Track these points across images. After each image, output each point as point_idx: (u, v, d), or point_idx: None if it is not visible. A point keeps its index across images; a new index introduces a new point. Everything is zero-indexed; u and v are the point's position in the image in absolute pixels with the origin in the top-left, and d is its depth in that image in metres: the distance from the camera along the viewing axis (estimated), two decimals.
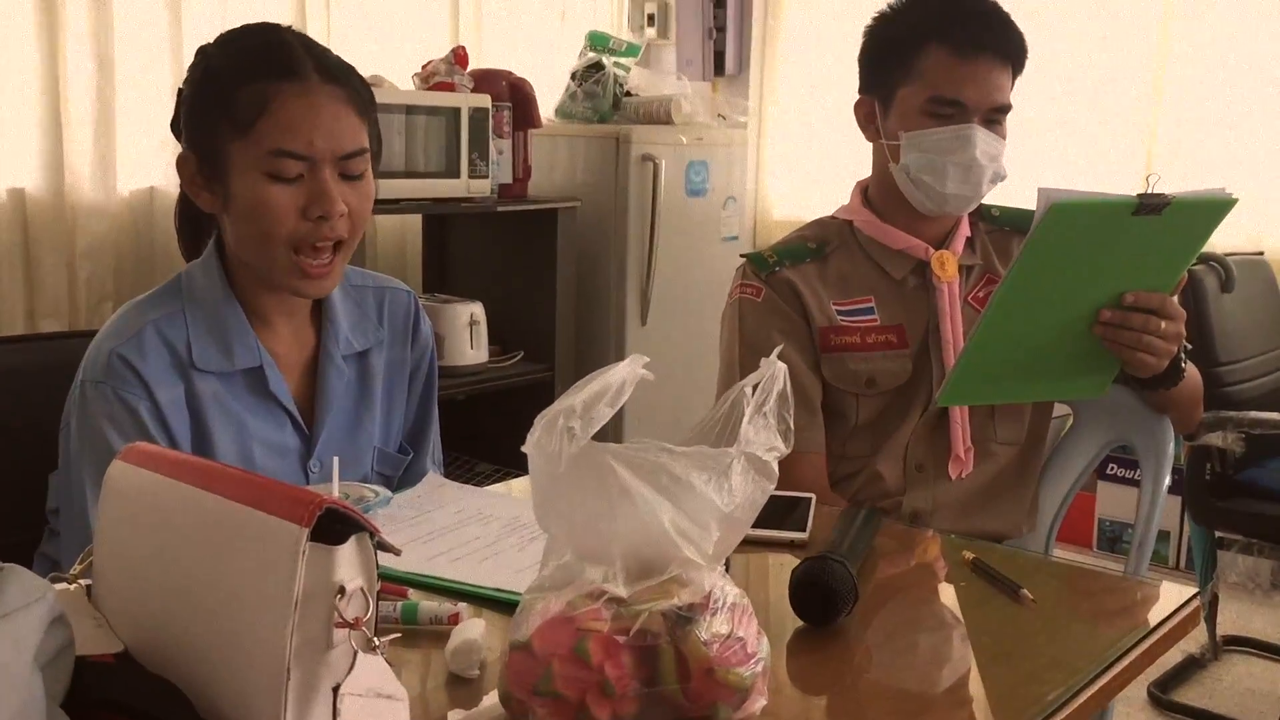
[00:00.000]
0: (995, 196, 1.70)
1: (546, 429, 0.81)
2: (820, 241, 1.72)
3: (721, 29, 3.97)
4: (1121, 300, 1.40)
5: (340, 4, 3.20)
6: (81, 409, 1.28)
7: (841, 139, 3.14)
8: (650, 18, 4.05)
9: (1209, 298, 2.60)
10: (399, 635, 0.82)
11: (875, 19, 1.69)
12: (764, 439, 0.84)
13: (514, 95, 3.17)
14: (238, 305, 1.33)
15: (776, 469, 0.84)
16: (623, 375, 0.83)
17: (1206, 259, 2.65)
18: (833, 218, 1.76)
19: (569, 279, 3.24)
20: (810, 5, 3.88)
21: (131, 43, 2.79)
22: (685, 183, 3.46)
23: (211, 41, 1.33)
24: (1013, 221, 1.73)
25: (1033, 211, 1.30)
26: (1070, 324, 1.42)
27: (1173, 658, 2.81)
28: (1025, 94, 1.69)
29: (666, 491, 0.79)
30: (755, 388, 0.87)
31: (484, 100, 3.00)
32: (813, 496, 1.35)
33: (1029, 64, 1.64)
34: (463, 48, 3.10)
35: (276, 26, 1.33)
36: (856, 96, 1.71)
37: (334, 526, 0.74)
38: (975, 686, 1.02)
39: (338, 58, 1.32)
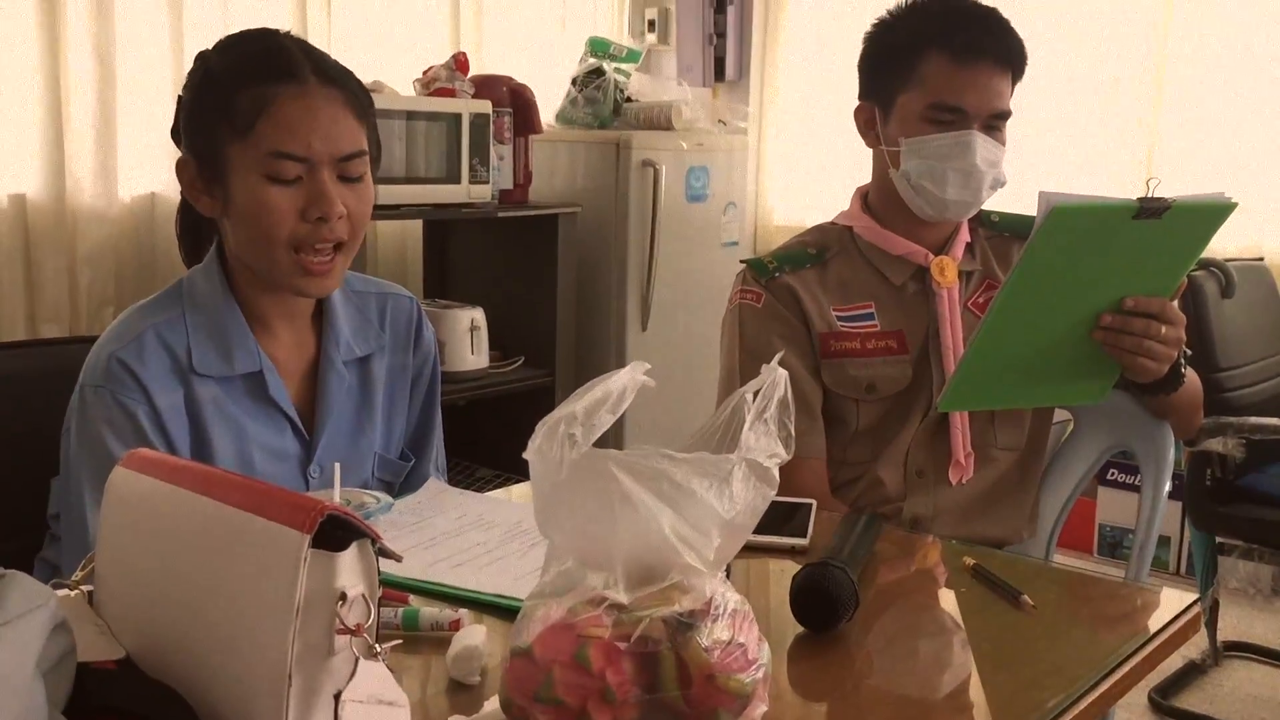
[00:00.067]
0: (995, 202, 1.70)
1: (548, 436, 0.81)
2: (820, 247, 1.72)
3: (722, 35, 3.98)
4: (1122, 305, 1.41)
5: (341, 10, 3.21)
6: (81, 413, 1.28)
7: (842, 144, 3.15)
8: (651, 23, 4.05)
9: (1209, 303, 2.61)
10: (400, 641, 0.82)
11: (875, 25, 1.69)
12: (765, 445, 0.84)
13: (515, 101, 3.17)
14: (238, 310, 1.33)
15: (777, 475, 0.84)
16: (624, 382, 0.83)
17: (1207, 264, 2.65)
18: (832, 223, 1.76)
19: (569, 284, 3.25)
20: (810, 11, 3.88)
21: (133, 49, 2.80)
22: (686, 188, 3.46)
23: (211, 47, 1.33)
24: (1012, 227, 1.73)
25: (1032, 217, 1.30)
26: (1071, 329, 1.43)
27: (1174, 663, 2.81)
28: (1025, 100, 1.69)
29: (667, 498, 0.79)
30: (756, 394, 0.87)
31: (485, 106, 3.01)
32: (813, 502, 1.35)
33: (1029, 70, 1.65)
34: (463, 53, 3.11)
35: (275, 31, 1.33)
36: (856, 102, 1.71)
37: (335, 533, 0.74)
38: (976, 693, 1.02)
39: (335, 61, 1.32)
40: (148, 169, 2.86)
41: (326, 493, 1.24)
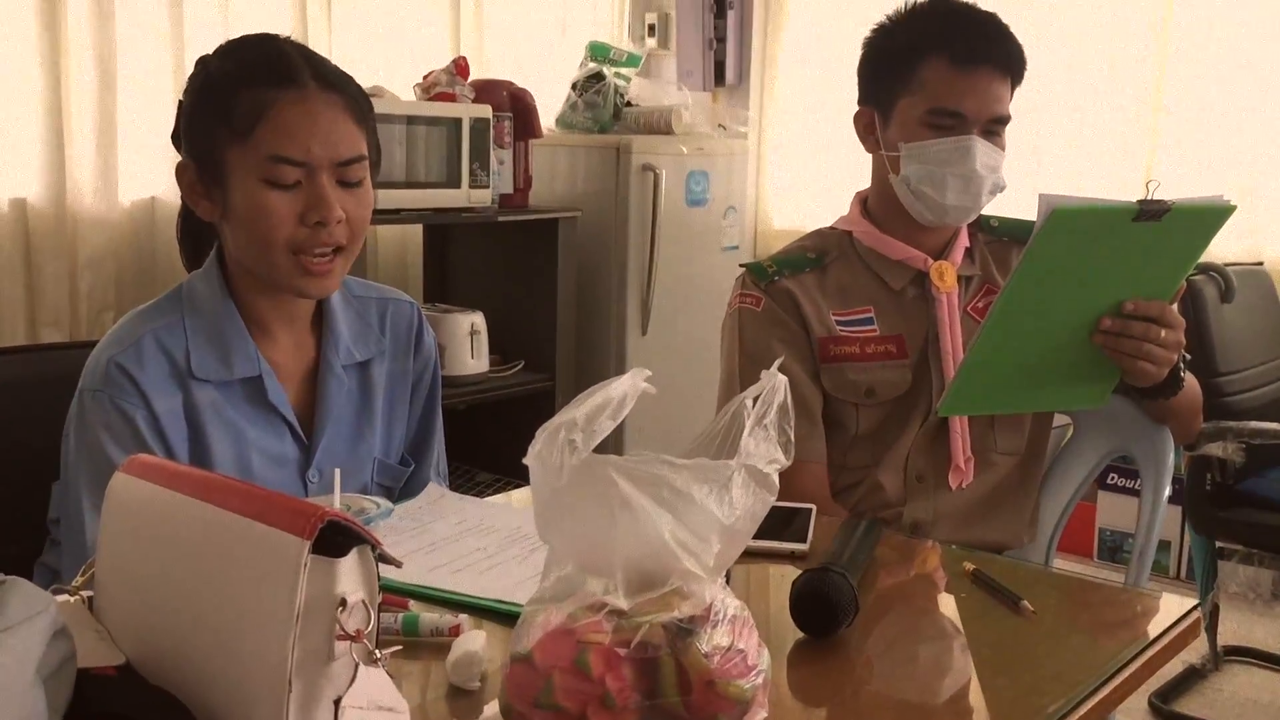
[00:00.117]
0: (995, 207, 1.70)
1: (548, 441, 0.81)
2: (820, 252, 1.72)
3: (722, 39, 3.98)
4: (1121, 308, 1.41)
5: (341, 15, 3.22)
6: (80, 418, 1.28)
7: (842, 149, 3.15)
8: (651, 28, 4.06)
9: (1209, 308, 2.61)
10: (400, 647, 0.82)
11: (874, 30, 1.69)
12: (764, 451, 0.84)
13: (515, 105, 3.17)
14: (237, 315, 1.33)
15: (777, 481, 0.84)
16: (624, 388, 0.84)
17: (1206, 269, 2.66)
18: (832, 228, 1.76)
19: (569, 289, 3.25)
20: (810, 15, 3.89)
21: (133, 54, 2.80)
22: (686, 193, 3.46)
23: (211, 52, 1.33)
24: (1012, 232, 1.73)
25: (1032, 222, 1.31)
26: (1071, 332, 1.43)
27: (1174, 668, 2.81)
28: (1025, 105, 1.69)
29: (667, 504, 0.79)
30: (756, 400, 0.87)
31: (485, 110, 3.01)
32: (813, 508, 1.35)
33: (1028, 75, 1.65)
34: (463, 58, 3.11)
35: (275, 37, 1.34)
36: (856, 107, 1.72)
37: (336, 539, 0.74)
38: (976, 698, 1.02)
39: (335, 66, 1.33)
40: (148, 173, 2.87)
41: (327, 498, 1.24)
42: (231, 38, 1.35)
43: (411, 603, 1.07)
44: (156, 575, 0.82)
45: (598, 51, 3.57)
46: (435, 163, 2.93)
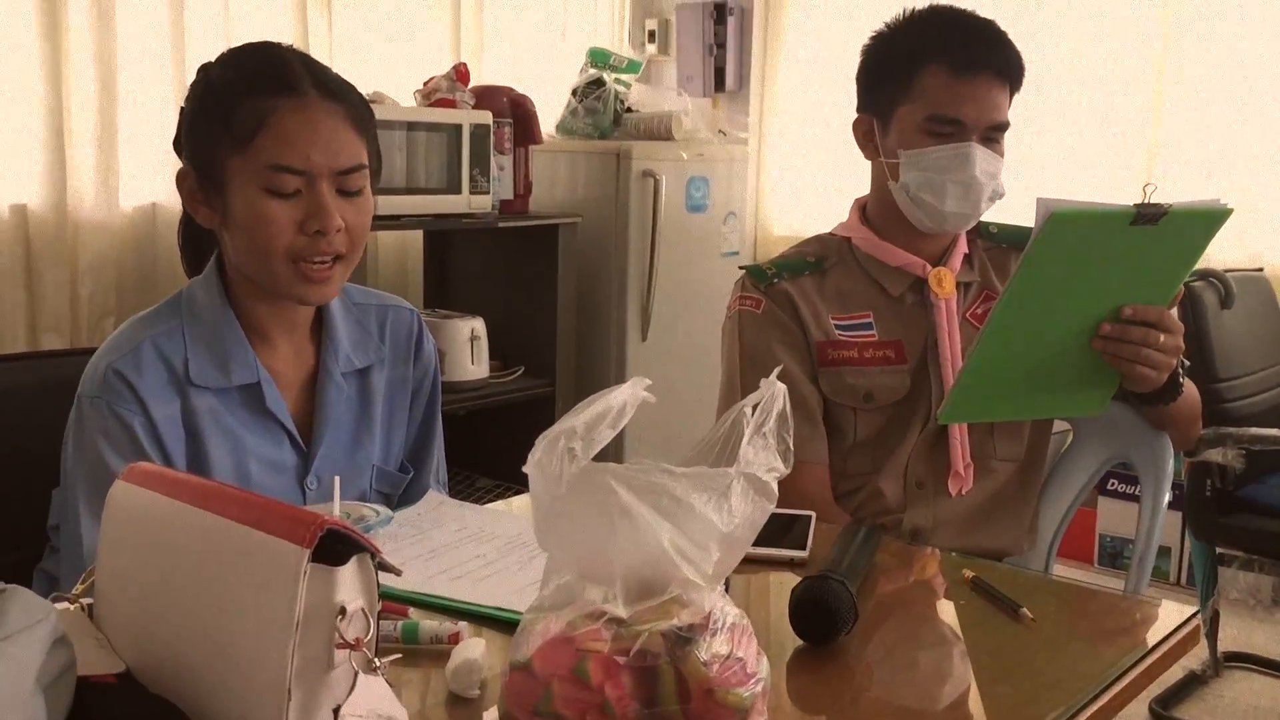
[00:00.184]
0: (994, 214, 1.70)
1: (547, 449, 0.81)
2: (819, 257, 1.73)
3: (722, 45, 3.98)
4: (1120, 314, 1.41)
5: (342, 21, 3.22)
6: (78, 424, 1.29)
7: (842, 155, 3.15)
8: (651, 34, 4.07)
9: (1209, 314, 2.61)
10: (399, 655, 0.82)
11: (873, 38, 1.70)
12: (764, 459, 0.84)
13: (515, 111, 3.18)
14: (236, 322, 1.34)
15: (776, 489, 0.85)
16: (624, 397, 0.84)
17: (1206, 275, 2.66)
18: (831, 234, 1.77)
19: (570, 294, 3.25)
20: (810, 22, 3.89)
21: (134, 60, 2.81)
22: (686, 198, 3.47)
23: (213, 59, 1.34)
24: (1010, 239, 1.73)
25: (1030, 229, 1.31)
26: (1070, 338, 1.43)
27: (1174, 674, 2.80)
28: (1024, 112, 1.70)
29: (666, 512, 0.80)
30: (755, 408, 0.87)
31: (485, 116, 3.01)
32: (813, 515, 1.35)
33: (1028, 81, 1.65)
34: (464, 64, 3.12)
35: (277, 45, 1.34)
36: (855, 114, 1.72)
37: (335, 547, 0.74)
38: (975, 706, 1.02)
39: (337, 75, 1.33)
40: (149, 179, 2.87)
41: (326, 506, 1.24)
42: (232, 45, 1.36)
43: (411, 610, 1.07)
44: (156, 583, 0.82)
45: (598, 57, 3.57)
46: (436, 169, 2.93)
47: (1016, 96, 1.65)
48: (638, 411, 0.85)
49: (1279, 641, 3.12)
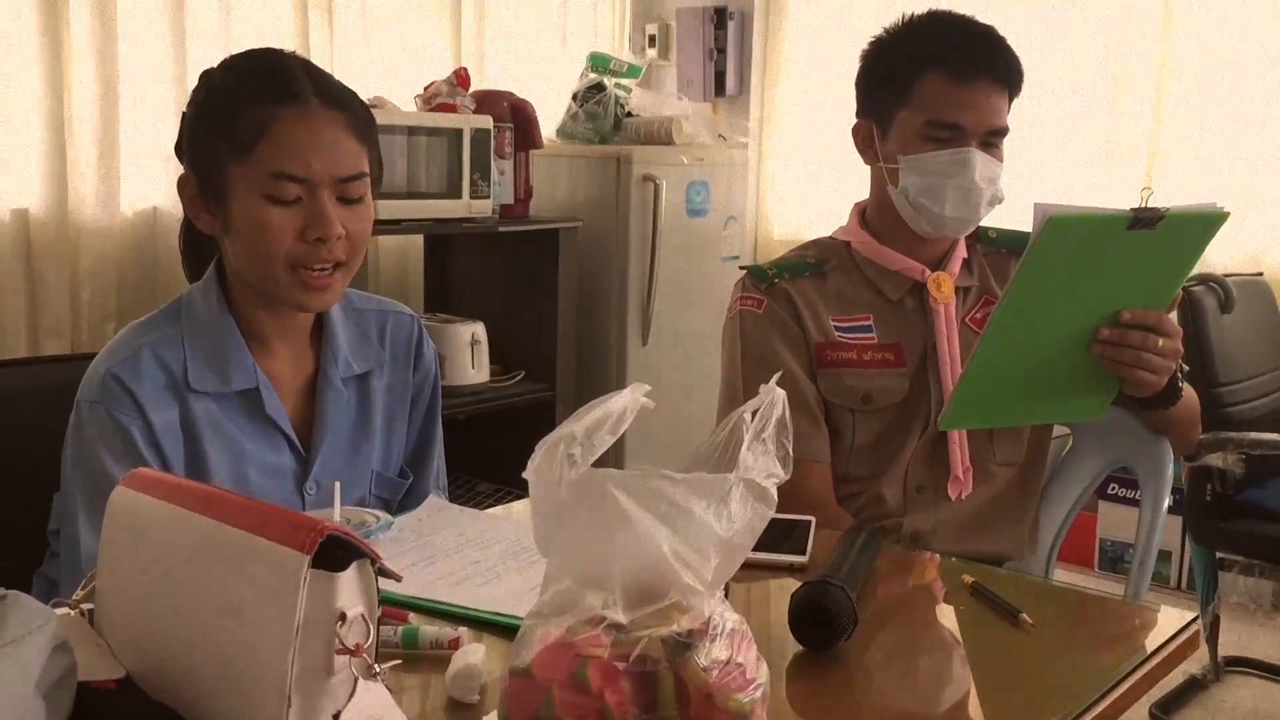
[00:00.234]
0: (994, 219, 1.70)
1: (547, 455, 0.81)
2: (819, 259, 1.73)
3: (722, 50, 3.99)
4: (1119, 318, 1.41)
5: (343, 26, 3.22)
6: (77, 429, 1.29)
7: (842, 160, 3.15)
8: (651, 39, 4.07)
9: (1209, 318, 2.61)
10: (399, 662, 0.82)
11: (872, 43, 1.70)
12: (763, 465, 0.85)
13: (515, 116, 3.18)
14: (235, 328, 1.34)
15: (775, 495, 0.85)
16: (624, 403, 0.84)
17: (1206, 279, 2.66)
18: (831, 238, 1.77)
19: (570, 299, 3.25)
20: (810, 27, 3.89)
21: (135, 64, 2.81)
22: (686, 203, 3.47)
23: (216, 65, 1.34)
24: (1010, 243, 1.74)
25: (1029, 234, 1.31)
26: (1069, 343, 1.43)
27: (1175, 679, 2.80)
28: (1023, 117, 1.70)
29: (666, 518, 0.80)
30: (754, 413, 0.87)
31: (486, 121, 3.02)
32: (812, 520, 1.35)
33: (1027, 87, 1.65)
34: (464, 69, 3.12)
35: (279, 52, 1.34)
36: (855, 119, 1.72)
37: (335, 553, 0.74)
38: (975, 711, 1.02)
39: (339, 83, 1.33)
40: (150, 183, 2.87)
41: (327, 512, 1.24)
42: (233, 50, 1.36)
43: (411, 615, 1.07)
44: (156, 589, 0.83)
45: (598, 62, 3.58)
46: (436, 173, 2.94)
47: (1015, 102, 1.65)
48: (638, 416, 0.85)
49: (1279, 647, 3.12)
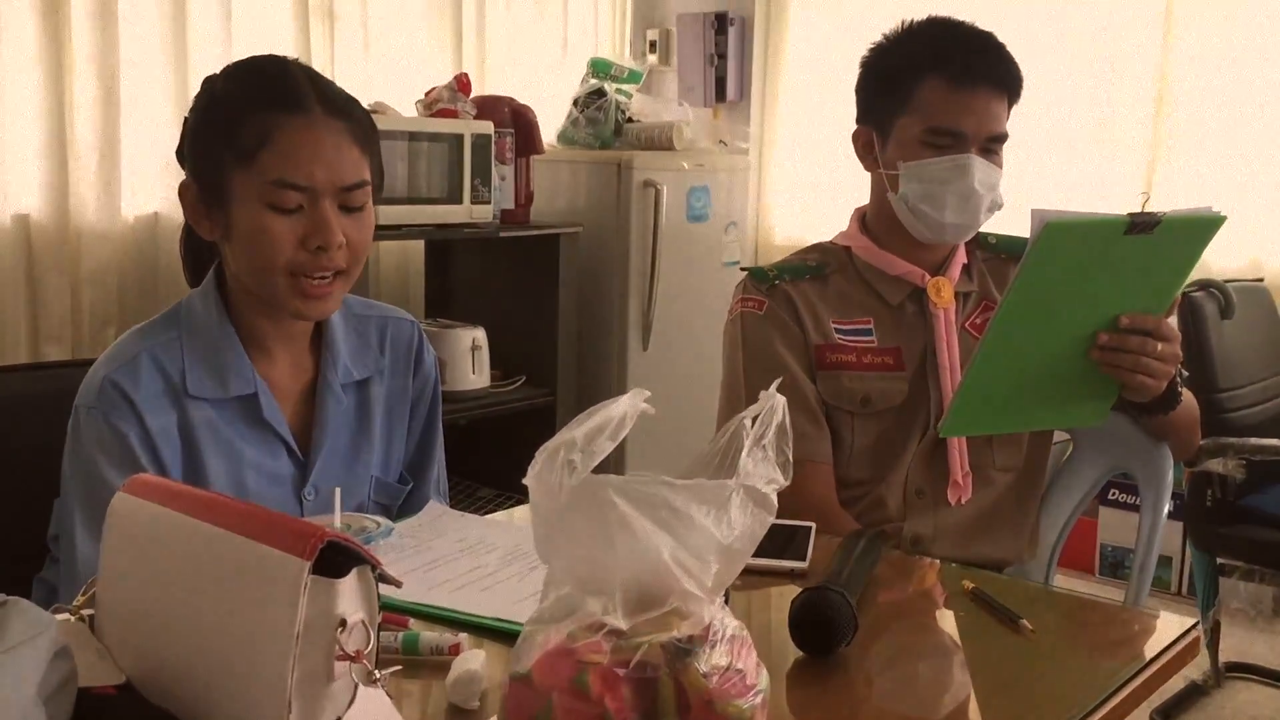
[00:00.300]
0: (994, 225, 1.71)
1: (547, 462, 0.81)
2: (820, 263, 1.73)
3: (723, 56, 4.00)
4: (1117, 323, 1.41)
5: (344, 32, 3.23)
6: (75, 434, 1.29)
7: (842, 165, 3.15)
8: (652, 44, 4.08)
9: (1209, 324, 2.61)
10: (399, 668, 0.82)
11: (871, 50, 1.70)
12: (763, 471, 0.85)
13: (516, 121, 3.19)
14: (234, 333, 1.34)
15: (776, 501, 0.85)
16: (624, 409, 0.84)
17: (1206, 285, 2.66)
18: (831, 243, 1.77)
19: (571, 304, 3.26)
20: (811, 33, 3.90)
21: (136, 69, 2.82)
22: (687, 208, 3.47)
23: (218, 72, 1.34)
24: (1009, 249, 1.74)
25: (1028, 239, 1.31)
26: (1068, 348, 1.43)
27: (1175, 684, 2.80)
28: (1023, 123, 1.70)
29: (666, 524, 0.80)
30: (754, 420, 0.87)
31: (486, 127, 3.02)
32: (813, 526, 1.35)
33: (1026, 93, 1.66)
34: (465, 74, 3.13)
35: (282, 59, 1.34)
36: (855, 125, 1.72)
37: (336, 559, 0.74)
38: (975, 717, 1.02)
39: (342, 91, 1.33)
40: (151, 188, 2.88)
41: (327, 518, 1.24)
42: (234, 55, 1.36)
43: (411, 621, 1.07)
44: (157, 595, 0.83)
45: (599, 67, 3.58)
46: (437, 179, 2.94)
47: (1015, 107, 1.65)
48: (639, 421, 0.86)
49: None
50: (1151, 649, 1.11)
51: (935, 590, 1.34)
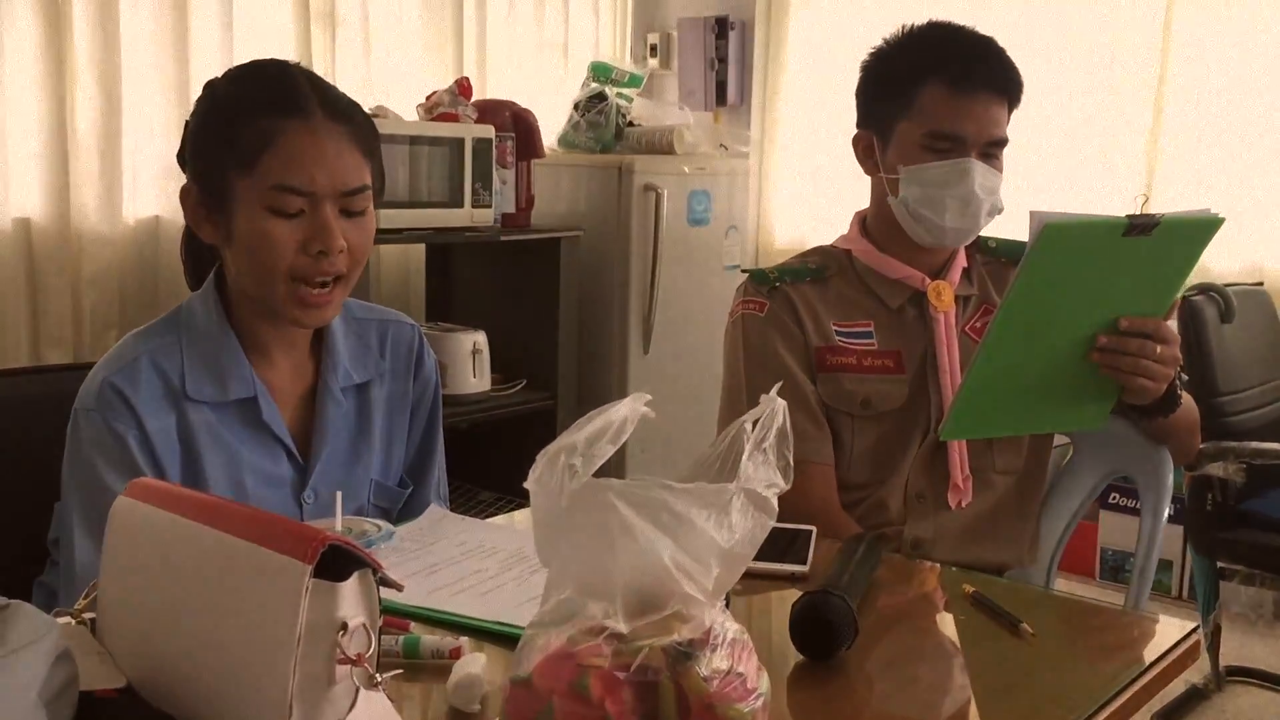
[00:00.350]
0: (994, 229, 1.71)
1: (548, 466, 0.81)
2: (820, 266, 1.73)
3: (723, 60, 4.00)
4: (1117, 325, 1.42)
5: (345, 36, 3.23)
6: (74, 437, 1.29)
7: (843, 169, 3.15)
8: (653, 48, 4.08)
9: (1209, 328, 2.61)
10: (400, 671, 0.82)
11: (872, 55, 1.70)
12: (764, 475, 0.85)
13: (517, 125, 3.19)
14: (234, 337, 1.34)
15: (776, 505, 0.85)
16: (624, 413, 0.84)
17: (1207, 289, 2.66)
18: (831, 247, 1.77)
19: (571, 308, 3.26)
20: (811, 37, 3.90)
21: (137, 73, 2.82)
22: (687, 212, 3.48)
23: (220, 76, 1.34)
24: (1009, 252, 1.74)
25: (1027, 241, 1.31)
26: (1067, 350, 1.43)
27: (1176, 688, 2.80)
28: (1023, 127, 1.70)
29: (667, 528, 0.80)
30: (755, 423, 0.87)
31: (487, 130, 3.02)
32: (813, 530, 1.35)
33: (1026, 97, 1.66)
34: (466, 79, 3.13)
35: (284, 63, 1.34)
36: (856, 129, 1.73)
37: (337, 563, 0.74)
38: None
39: (343, 95, 1.33)
40: (152, 192, 2.88)
41: (328, 521, 1.24)
42: (235, 59, 1.36)
43: (412, 625, 1.07)
44: (158, 598, 0.83)
45: (600, 71, 3.58)
46: (438, 182, 2.95)
47: (1015, 112, 1.66)
48: (640, 424, 0.86)
49: None
50: (1152, 653, 1.11)
51: (935, 594, 1.34)
